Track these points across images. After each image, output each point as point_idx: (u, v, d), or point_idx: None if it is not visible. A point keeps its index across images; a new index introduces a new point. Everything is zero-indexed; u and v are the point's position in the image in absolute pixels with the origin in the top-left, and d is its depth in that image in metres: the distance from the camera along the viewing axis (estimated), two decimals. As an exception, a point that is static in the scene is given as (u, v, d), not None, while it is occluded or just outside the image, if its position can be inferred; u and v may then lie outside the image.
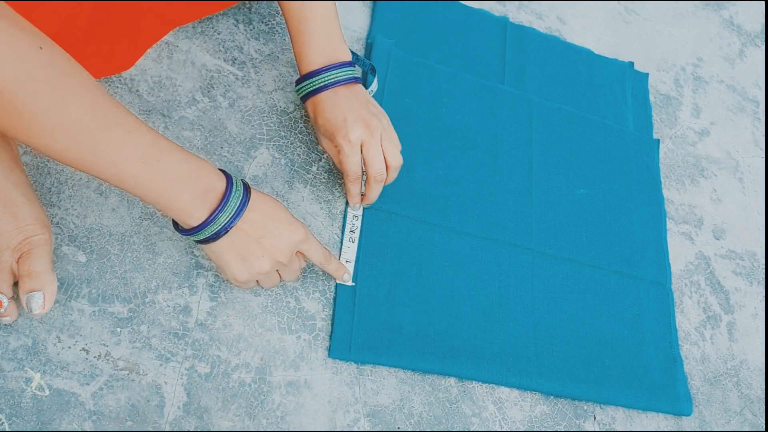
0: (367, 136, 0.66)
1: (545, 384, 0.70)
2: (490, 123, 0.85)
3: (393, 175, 0.69)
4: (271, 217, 0.58)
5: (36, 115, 0.44)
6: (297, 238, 0.59)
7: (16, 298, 0.56)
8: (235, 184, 0.56)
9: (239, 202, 0.55)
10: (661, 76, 1.04)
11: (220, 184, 0.55)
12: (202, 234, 0.55)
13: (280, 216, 0.59)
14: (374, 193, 0.69)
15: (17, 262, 0.55)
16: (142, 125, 0.50)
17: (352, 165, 0.67)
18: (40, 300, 0.55)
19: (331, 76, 0.67)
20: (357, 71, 0.70)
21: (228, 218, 0.55)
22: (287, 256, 0.59)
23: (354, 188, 0.69)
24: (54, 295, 0.56)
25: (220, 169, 0.57)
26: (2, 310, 0.54)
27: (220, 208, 0.54)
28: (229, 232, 0.56)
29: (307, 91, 0.68)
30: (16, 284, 0.56)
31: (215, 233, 0.55)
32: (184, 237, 0.64)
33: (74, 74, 0.46)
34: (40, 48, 0.43)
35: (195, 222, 0.54)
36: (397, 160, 0.68)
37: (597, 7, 1.07)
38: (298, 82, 0.69)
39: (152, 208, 0.65)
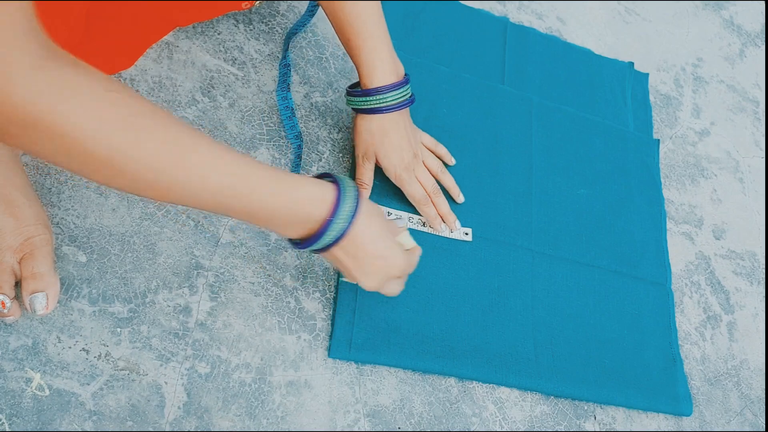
0: (414, 163, 0.71)
1: (545, 384, 0.70)
2: (490, 123, 0.85)
3: (445, 178, 0.76)
4: (367, 252, 0.56)
5: (111, 158, 0.42)
6: (392, 274, 0.59)
7: (18, 297, 0.56)
8: (337, 213, 0.53)
9: (337, 235, 0.54)
10: (661, 76, 1.04)
11: (319, 212, 0.53)
12: (301, 247, 0.55)
13: (377, 250, 0.57)
14: (443, 209, 0.74)
15: (19, 263, 0.55)
16: (222, 159, 0.47)
17: (414, 192, 0.71)
18: (44, 301, 0.55)
19: (394, 97, 0.67)
20: (409, 91, 0.70)
21: (324, 244, 0.54)
22: (378, 285, 0.59)
23: (430, 211, 0.72)
24: (57, 295, 0.56)
25: (331, 179, 0.55)
26: (5, 310, 0.54)
27: (315, 238, 0.53)
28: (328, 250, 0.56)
29: (368, 106, 0.68)
30: (17, 284, 0.56)
31: (316, 249, 0.55)
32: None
33: (146, 112, 0.43)
34: (107, 91, 0.41)
35: (294, 238, 0.55)
36: (437, 166, 0.75)
37: (597, 7, 1.07)
38: (358, 93, 0.68)
39: (152, 209, 0.65)
